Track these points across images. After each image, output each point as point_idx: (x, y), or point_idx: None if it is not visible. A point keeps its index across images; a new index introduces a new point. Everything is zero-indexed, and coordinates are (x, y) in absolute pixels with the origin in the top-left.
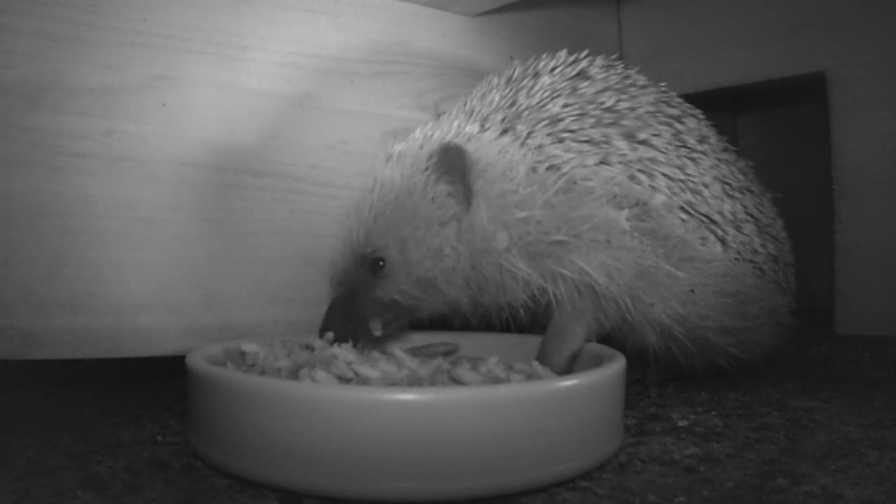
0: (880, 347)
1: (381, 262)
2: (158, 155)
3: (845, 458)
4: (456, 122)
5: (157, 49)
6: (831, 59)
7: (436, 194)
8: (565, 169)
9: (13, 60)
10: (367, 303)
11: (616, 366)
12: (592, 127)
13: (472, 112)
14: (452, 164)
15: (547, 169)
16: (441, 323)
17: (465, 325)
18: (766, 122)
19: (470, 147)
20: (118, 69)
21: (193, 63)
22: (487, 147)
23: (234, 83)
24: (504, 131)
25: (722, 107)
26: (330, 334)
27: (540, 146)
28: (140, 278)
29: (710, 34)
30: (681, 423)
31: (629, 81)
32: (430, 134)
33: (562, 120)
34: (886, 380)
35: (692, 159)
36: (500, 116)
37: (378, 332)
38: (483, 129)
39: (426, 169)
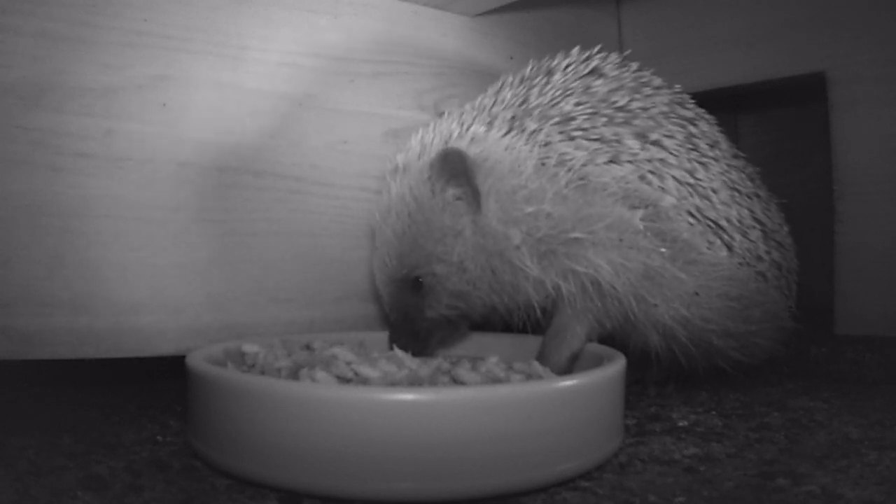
0: (880, 347)
1: (420, 281)
2: (158, 155)
3: (845, 458)
4: (455, 124)
5: (157, 49)
6: (831, 59)
7: (445, 202)
8: (575, 166)
9: (13, 60)
10: (423, 324)
11: (616, 366)
12: (604, 125)
13: (483, 110)
14: (455, 168)
15: (556, 164)
16: None
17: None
18: (766, 122)
19: (474, 147)
20: (118, 69)
21: (193, 63)
22: (493, 145)
23: (234, 83)
24: (511, 129)
25: (722, 107)
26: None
27: (548, 143)
28: (140, 278)
29: (710, 34)
30: (681, 423)
31: (643, 81)
32: (429, 140)
33: (573, 118)
34: (886, 380)
35: (702, 164)
36: (509, 114)
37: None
38: (490, 127)
39: (429, 178)
